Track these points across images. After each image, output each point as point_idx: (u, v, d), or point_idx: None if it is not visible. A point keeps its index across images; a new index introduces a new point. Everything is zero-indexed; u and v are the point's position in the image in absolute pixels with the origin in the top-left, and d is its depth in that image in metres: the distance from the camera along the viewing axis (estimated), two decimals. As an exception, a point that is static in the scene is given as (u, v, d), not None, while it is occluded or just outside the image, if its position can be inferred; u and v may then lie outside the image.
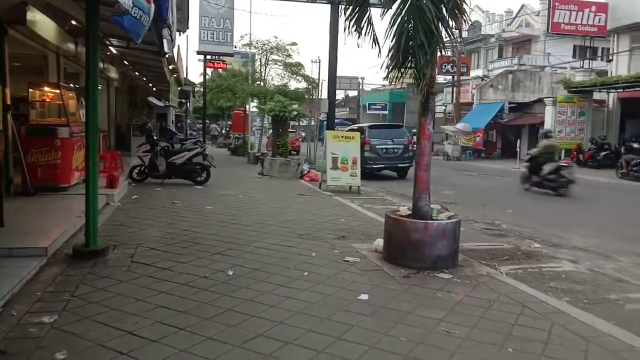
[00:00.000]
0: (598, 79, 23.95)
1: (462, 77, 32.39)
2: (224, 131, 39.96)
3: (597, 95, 24.85)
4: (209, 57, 27.74)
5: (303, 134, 29.64)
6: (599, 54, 31.76)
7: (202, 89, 30.94)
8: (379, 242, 5.67)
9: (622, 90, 23.09)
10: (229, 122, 36.92)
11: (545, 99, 25.93)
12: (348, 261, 5.30)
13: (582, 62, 29.43)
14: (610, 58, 25.91)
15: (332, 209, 8.91)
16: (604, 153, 22.40)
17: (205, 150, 12.27)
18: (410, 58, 5.07)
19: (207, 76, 29.91)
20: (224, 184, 12.17)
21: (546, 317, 3.84)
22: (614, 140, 23.70)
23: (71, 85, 9.85)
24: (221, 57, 28.66)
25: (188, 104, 33.06)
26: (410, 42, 4.95)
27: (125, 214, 7.69)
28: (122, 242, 5.79)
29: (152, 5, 4.79)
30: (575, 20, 28.74)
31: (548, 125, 24.76)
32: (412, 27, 4.93)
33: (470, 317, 3.79)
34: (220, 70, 32.11)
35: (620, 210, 11.02)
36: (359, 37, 5.31)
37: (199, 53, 25.94)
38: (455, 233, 5.18)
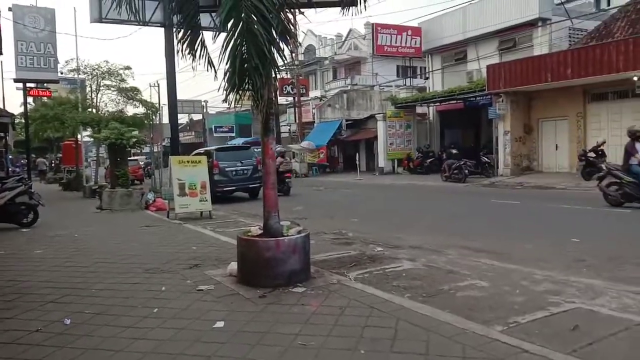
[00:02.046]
0: (419, 95, 26.99)
1: (302, 98, 33.91)
2: (53, 165, 36.10)
3: (419, 110, 27.93)
4: (30, 84, 24.97)
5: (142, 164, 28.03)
6: (418, 72, 35.69)
7: (23, 120, 27.59)
8: (233, 266, 5.59)
9: (439, 103, 26.26)
10: (59, 155, 33.50)
11: (376, 115, 28.32)
12: (202, 290, 5.13)
13: (404, 80, 32.92)
14: (427, 76, 29.33)
15: (182, 238, 8.57)
16: (429, 160, 25.18)
17: (30, 188, 10.94)
18: (247, 80, 5.14)
19: (28, 105, 26.78)
20: (57, 223, 10.97)
21: (392, 315, 4.13)
22: (437, 148, 26.78)
23: None
24: (45, 84, 26.01)
25: (7, 137, 29.21)
26: (245, 65, 5.02)
27: None
28: None
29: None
30: (396, 43, 32.07)
31: (381, 138, 27.10)
32: (246, 50, 5.01)
33: (324, 327, 3.92)
34: (44, 98, 29.03)
35: (444, 208, 12.41)
36: (193, 60, 5.24)
37: (16, 81, 23.26)
38: (306, 246, 5.34)
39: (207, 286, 5.24)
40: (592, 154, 17.30)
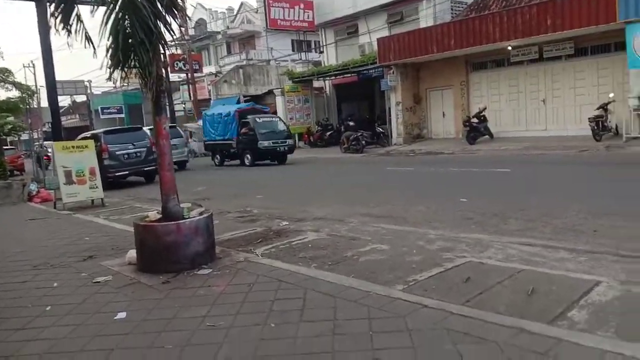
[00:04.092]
0: (315, 69, 27.21)
1: (196, 74, 32.70)
2: None
3: (316, 84, 28.18)
4: None
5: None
6: (313, 46, 35.89)
7: None
8: (132, 254, 5.33)
9: (334, 77, 26.68)
10: None
11: (274, 90, 28.16)
12: (99, 282, 4.83)
13: (300, 54, 32.88)
14: (322, 50, 29.59)
15: (72, 229, 7.98)
16: (329, 133, 25.67)
17: None
18: (132, 56, 4.83)
19: None
20: None
21: (299, 285, 4.20)
22: (335, 120, 27.34)
23: None
24: None
25: None
26: (130, 40, 4.71)
27: None
28: None
29: None
30: (289, 17, 31.82)
31: (281, 113, 27.03)
32: (129, 24, 4.69)
33: (233, 306, 3.89)
34: None
35: (345, 179, 12.79)
36: (68, 36, 4.80)
37: None
38: (209, 227, 5.22)
39: (104, 277, 4.95)
40: (475, 120, 18.70)
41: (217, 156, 21.42)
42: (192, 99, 32.39)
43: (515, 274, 4.30)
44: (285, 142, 19.21)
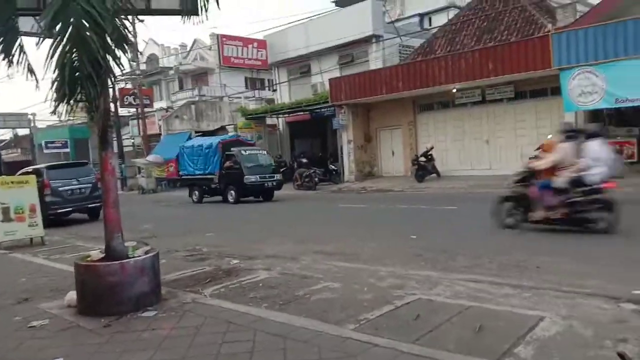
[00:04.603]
0: (268, 107, 27.44)
1: (146, 109, 32.18)
2: None
3: (269, 121, 28.37)
4: None
5: None
6: (266, 84, 36.27)
7: None
8: (72, 295, 5.05)
9: (287, 115, 26.96)
10: None
11: (227, 127, 28.09)
12: (34, 326, 4.53)
13: (253, 92, 33.13)
14: (275, 88, 29.95)
15: (8, 269, 7.51)
16: (282, 170, 25.64)
17: None
18: (79, 90, 4.70)
19: None
20: None
21: (249, 327, 4.09)
22: (288, 157, 27.45)
23: None
24: None
25: None
26: (77, 73, 4.60)
27: None
28: None
29: None
30: (242, 55, 32.20)
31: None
32: (77, 57, 4.59)
33: (179, 350, 3.73)
34: None
35: (298, 216, 12.76)
36: (9, 67, 4.64)
37: None
38: (155, 267, 5.04)
39: (40, 321, 4.64)
40: (423, 158, 19.28)
41: (196, 192, 19.36)
42: (141, 134, 31.74)
43: (464, 310, 4.37)
44: (273, 177, 17.86)
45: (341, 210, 13.67)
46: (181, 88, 40.25)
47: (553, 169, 8.03)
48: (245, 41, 32.24)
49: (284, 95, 28.21)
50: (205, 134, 30.79)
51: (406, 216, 11.51)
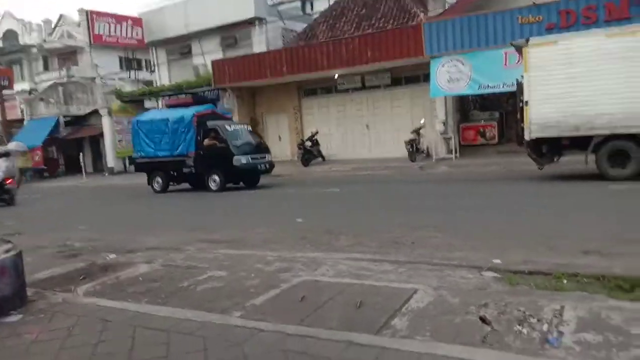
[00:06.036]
0: (146, 89, 25.99)
1: (5, 92, 28.82)
2: None
3: (148, 104, 26.82)
4: None
5: None
6: (144, 65, 34.26)
7: None
8: None
9: (168, 97, 25.72)
10: None
11: (100, 110, 26.15)
12: None
13: (129, 72, 31.10)
14: (153, 69, 28.40)
15: None
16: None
17: None
18: None
19: None
20: None
21: (128, 324, 3.88)
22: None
23: None
24: None
25: None
26: None
27: None
28: None
29: None
30: (116, 33, 30.04)
31: (108, 136, 25.17)
32: None
33: (48, 355, 3.42)
34: None
35: (184, 205, 12.34)
36: None
37: None
38: (18, 267, 4.55)
39: None
40: (309, 143, 19.66)
41: (158, 179, 15.83)
42: (0, 119, 28.37)
43: (346, 288, 4.55)
44: (265, 157, 15.11)
45: (229, 196, 13.47)
46: (46, 68, 36.61)
47: None
48: (119, 18, 30.09)
49: (163, 77, 26.88)
50: (76, 118, 28.40)
51: (293, 200, 11.69)
